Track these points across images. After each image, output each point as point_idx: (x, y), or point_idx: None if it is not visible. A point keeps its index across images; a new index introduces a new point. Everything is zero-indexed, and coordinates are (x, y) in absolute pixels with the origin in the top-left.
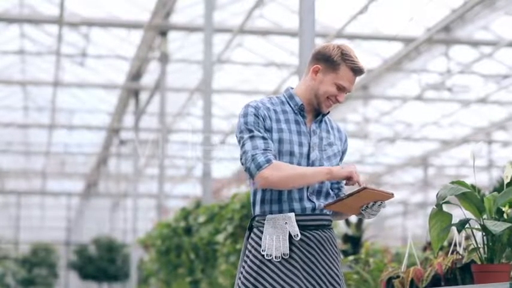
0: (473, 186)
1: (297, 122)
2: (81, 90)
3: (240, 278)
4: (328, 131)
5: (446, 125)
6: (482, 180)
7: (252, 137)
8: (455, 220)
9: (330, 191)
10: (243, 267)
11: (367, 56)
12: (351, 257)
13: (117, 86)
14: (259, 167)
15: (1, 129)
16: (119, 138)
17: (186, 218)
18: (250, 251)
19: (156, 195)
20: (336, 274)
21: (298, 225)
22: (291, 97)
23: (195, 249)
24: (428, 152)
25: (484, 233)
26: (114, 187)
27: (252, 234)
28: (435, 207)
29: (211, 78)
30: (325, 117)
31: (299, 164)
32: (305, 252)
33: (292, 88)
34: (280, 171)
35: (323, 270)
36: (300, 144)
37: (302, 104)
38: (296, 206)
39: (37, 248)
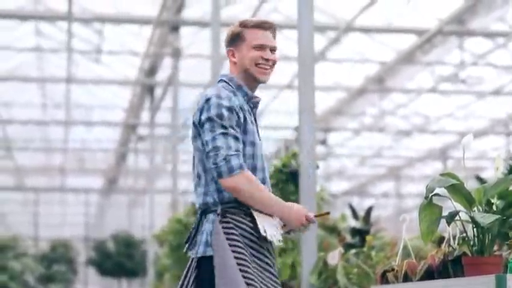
0: (480, 179)
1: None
2: (96, 86)
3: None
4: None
5: (462, 117)
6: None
7: (225, 134)
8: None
9: None
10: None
11: (380, 48)
12: (353, 251)
13: (132, 82)
14: (231, 171)
15: (20, 127)
16: (137, 134)
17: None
18: (231, 232)
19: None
20: None
21: None
22: (239, 87)
23: None
24: (447, 144)
25: (474, 225)
26: (133, 183)
27: (228, 219)
28: (425, 199)
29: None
30: None
31: (263, 167)
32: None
33: (225, 76)
34: (252, 188)
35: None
36: (260, 144)
37: (252, 95)
38: None
39: (56, 244)
